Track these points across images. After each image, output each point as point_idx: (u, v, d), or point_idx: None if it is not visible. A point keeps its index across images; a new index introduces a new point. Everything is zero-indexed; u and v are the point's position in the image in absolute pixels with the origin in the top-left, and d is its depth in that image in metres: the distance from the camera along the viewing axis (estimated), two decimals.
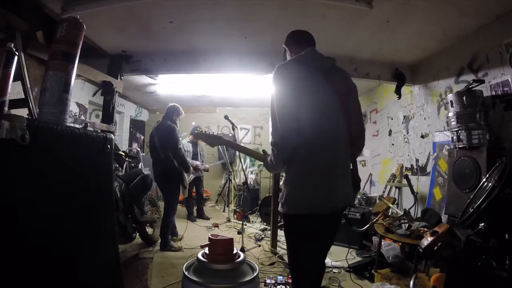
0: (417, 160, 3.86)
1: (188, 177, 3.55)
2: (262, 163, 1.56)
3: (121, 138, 6.12)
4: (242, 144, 6.93)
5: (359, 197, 4.35)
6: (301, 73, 1.33)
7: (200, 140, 5.15)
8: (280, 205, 1.35)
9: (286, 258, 3.14)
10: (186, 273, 1.40)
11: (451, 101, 2.70)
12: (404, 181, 3.82)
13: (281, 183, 1.48)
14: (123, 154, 3.58)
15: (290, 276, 1.57)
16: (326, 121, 1.32)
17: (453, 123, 2.69)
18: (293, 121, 1.26)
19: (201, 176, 5.12)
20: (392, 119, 4.53)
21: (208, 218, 5.04)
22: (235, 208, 5.56)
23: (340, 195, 1.33)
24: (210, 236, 1.53)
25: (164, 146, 3.32)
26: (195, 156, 4.93)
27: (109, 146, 1.08)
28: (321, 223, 1.30)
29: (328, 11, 2.62)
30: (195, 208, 5.12)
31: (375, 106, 5.06)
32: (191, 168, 3.45)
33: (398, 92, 3.88)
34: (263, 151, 1.54)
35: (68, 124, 1.01)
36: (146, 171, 3.52)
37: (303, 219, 1.28)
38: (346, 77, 1.50)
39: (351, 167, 1.46)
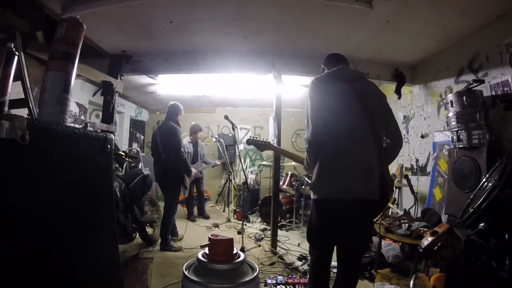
0: (417, 160, 3.86)
1: (189, 179, 3.57)
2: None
3: (121, 138, 6.11)
4: (242, 144, 6.99)
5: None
6: (329, 83, 1.62)
7: (201, 140, 5.30)
8: (311, 192, 1.63)
9: (286, 258, 3.15)
10: (186, 273, 1.40)
11: (451, 101, 2.70)
12: (404, 181, 3.82)
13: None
14: (123, 154, 3.58)
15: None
16: (348, 121, 1.53)
17: (453, 123, 2.69)
18: (321, 120, 1.53)
19: (201, 177, 5.17)
20: None
21: (208, 217, 5.08)
22: (235, 208, 5.56)
23: (359, 186, 1.47)
24: (210, 236, 1.53)
25: (166, 147, 3.32)
26: (195, 157, 4.93)
27: (109, 146, 1.08)
28: (340, 207, 1.50)
29: (328, 11, 2.62)
30: (195, 207, 5.14)
31: None
32: (192, 171, 3.46)
33: (398, 92, 3.88)
34: None
35: (68, 124, 1.01)
36: (146, 171, 3.52)
37: (324, 202, 1.55)
38: (372, 87, 1.72)
39: (380, 168, 1.55)
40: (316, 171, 1.55)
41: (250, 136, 2.18)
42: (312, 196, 1.61)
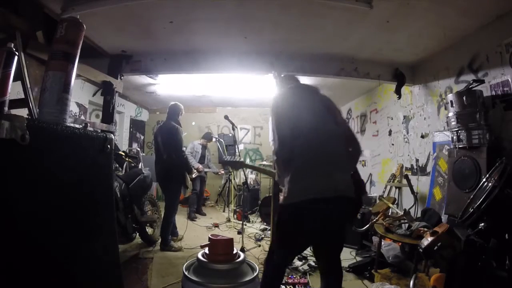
0: (417, 160, 3.85)
1: (190, 177, 3.63)
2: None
3: (121, 138, 6.11)
4: (242, 144, 6.99)
5: None
6: (294, 94, 1.70)
7: (209, 143, 5.63)
8: (282, 199, 1.53)
9: None
10: (186, 273, 1.40)
11: (451, 101, 2.70)
12: (404, 181, 3.82)
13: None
14: (123, 154, 3.58)
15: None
16: (325, 123, 1.57)
17: (453, 123, 2.69)
18: (288, 129, 1.53)
19: (205, 177, 5.53)
20: (392, 119, 4.53)
21: (205, 214, 5.43)
22: (235, 208, 5.56)
23: (338, 180, 1.46)
24: (210, 236, 1.53)
25: (167, 147, 3.32)
26: (202, 158, 5.44)
27: (109, 146, 1.08)
28: (323, 207, 1.42)
29: (328, 11, 2.62)
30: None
31: (375, 106, 5.05)
32: (194, 170, 3.51)
33: (398, 92, 3.88)
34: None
35: (68, 124, 1.01)
36: (146, 171, 3.52)
37: (305, 205, 1.42)
38: (329, 99, 1.75)
39: (352, 170, 1.61)
40: (295, 175, 1.49)
41: (224, 158, 2.45)
42: (288, 201, 1.49)
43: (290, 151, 1.50)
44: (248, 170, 6.99)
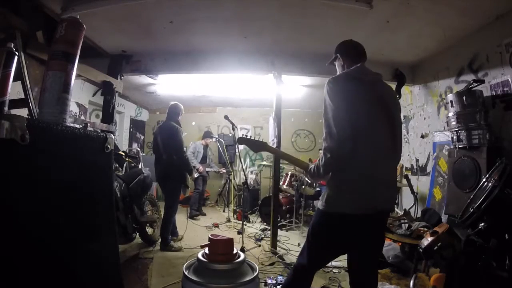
0: (417, 160, 3.86)
1: (191, 178, 3.66)
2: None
3: (121, 138, 6.11)
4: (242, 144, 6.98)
5: None
6: (352, 86, 1.47)
7: (210, 143, 5.65)
8: (320, 202, 1.43)
9: (286, 258, 3.15)
10: (186, 273, 1.40)
11: (451, 101, 2.70)
12: (404, 181, 3.82)
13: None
14: (123, 154, 3.58)
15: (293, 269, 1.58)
16: (374, 131, 1.41)
17: (453, 123, 2.69)
18: (348, 129, 1.33)
19: (206, 176, 5.60)
20: None
21: (204, 214, 5.45)
22: (235, 208, 5.56)
23: (381, 198, 1.40)
24: (210, 236, 1.53)
25: (167, 147, 3.32)
26: (204, 158, 5.54)
27: (109, 146, 1.08)
28: (363, 223, 1.37)
29: (328, 11, 2.62)
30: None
31: None
32: (194, 171, 3.53)
33: (398, 92, 3.88)
34: (310, 159, 1.62)
35: (68, 124, 1.01)
36: (146, 171, 3.52)
37: (344, 218, 1.35)
38: (391, 92, 1.64)
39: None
40: (337, 184, 1.40)
41: (242, 134, 1.82)
42: (332, 209, 1.39)
43: (349, 153, 1.32)
44: (248, 170, 7.00)
